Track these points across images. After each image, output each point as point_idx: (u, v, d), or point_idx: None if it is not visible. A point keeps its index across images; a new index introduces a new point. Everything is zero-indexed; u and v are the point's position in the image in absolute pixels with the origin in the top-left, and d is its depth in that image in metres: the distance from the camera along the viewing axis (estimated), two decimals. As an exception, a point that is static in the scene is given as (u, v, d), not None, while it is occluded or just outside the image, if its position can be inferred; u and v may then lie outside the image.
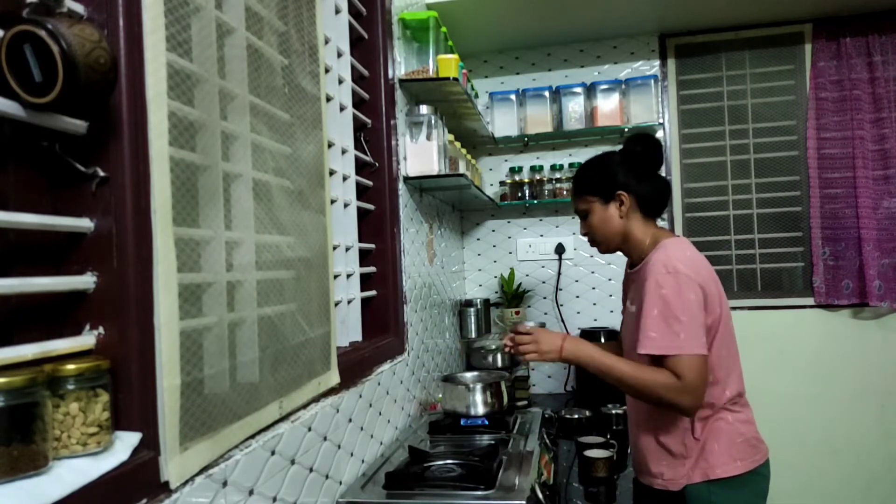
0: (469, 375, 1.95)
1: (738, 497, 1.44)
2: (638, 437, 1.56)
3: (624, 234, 1.56)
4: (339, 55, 1.54)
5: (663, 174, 1.63)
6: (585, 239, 1.65)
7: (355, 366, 1.42)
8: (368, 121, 1.73)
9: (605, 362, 1.43)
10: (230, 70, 0.93)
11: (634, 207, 1.55)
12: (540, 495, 1.28)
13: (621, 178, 1.55)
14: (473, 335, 2.63)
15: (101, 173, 0.71)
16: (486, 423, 1.71)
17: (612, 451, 1.64)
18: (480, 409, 1.73)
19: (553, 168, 2.82)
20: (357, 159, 1.64)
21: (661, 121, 2.77)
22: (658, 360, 1.38)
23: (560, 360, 1.48)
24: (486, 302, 2.69)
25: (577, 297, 2.90)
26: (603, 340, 2.63)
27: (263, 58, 1.04)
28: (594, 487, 1.55)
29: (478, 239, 3.01)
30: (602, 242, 1.60)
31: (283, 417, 1.05)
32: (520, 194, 2.83)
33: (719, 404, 1.45)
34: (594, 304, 2.88)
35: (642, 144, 1.57)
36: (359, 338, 1.60)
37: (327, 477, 1.22)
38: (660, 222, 2.88)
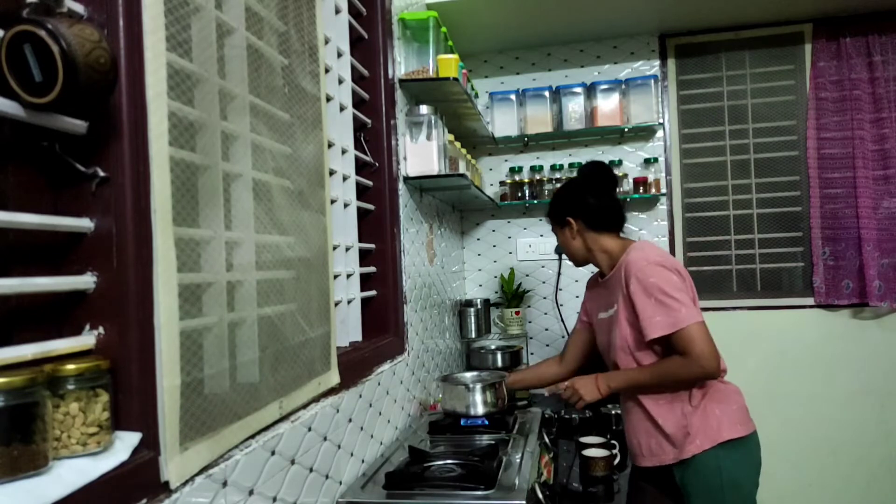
0: (469, 375, 1.95)
1: (742, 460, 1.54)
2: (634, 425, 1.66)
3: (586, 249, 1.75)
4: (339, 55, 1.54)
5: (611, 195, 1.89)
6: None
7: (355, 366, 1.42)
8: (368, 121, 1.73)
9: (630, 378, 1.60)
10: (230, 70, 0.93)
11: (584, 228, 1.73)
12: (540, 495, 1.28)
13: (569, 204, 1.75)
14: (473, 335, 2.63)
15: (101, 173, 0.71)
16: (486, 423, 1.71)
17: (612, 450, 1.64)
18: (480, 409, 1.73)
19: (553, 168, 2.82)
20: (357, 159, 1.64)
21: (661, 121, 2.77)
22: (666, 340, 1.51)
23: (602, 396, 1.64)
24: (486, 302, 2.69)
25: (577, 297, 2.89)
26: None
27: (263, 58, 1.04)
28: (593, 487, 1.56)
29: (478, 239, 3.01)
30: (571, 259, 1.83)
31: (283, 417, 1.05)
32: (520, 194, 2.83)
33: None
34: (594, 304, 2.87)
35: (589, 169, 1.79)
36: (359, 338, 1.60)
37: (327, 477, 1.22)
38: (660, 222, 2.88)
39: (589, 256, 1.76)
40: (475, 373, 2.00)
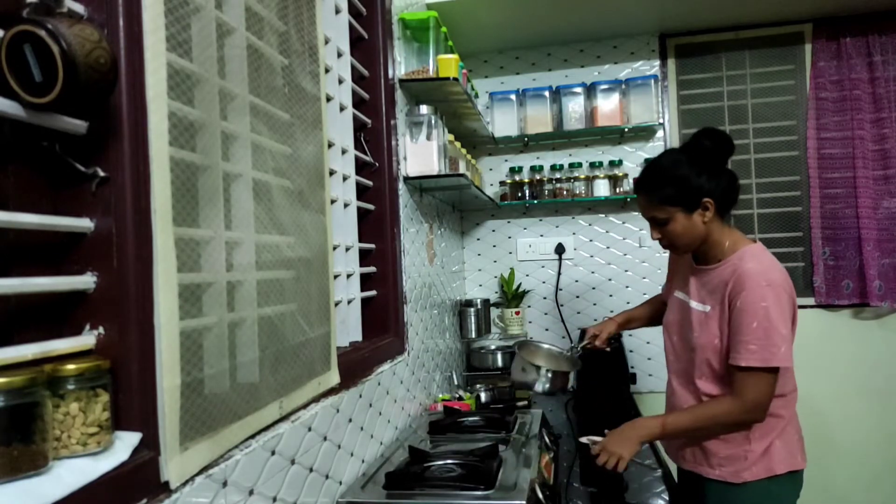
0: (545, 350, 1.95)
1: (791, 494, 1.49)
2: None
3: (701, 239, 1.52)
4: (339, 55, 1.54)
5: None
6: (657, 243, 1.61)
7: (355, 366, 1.42)
8: (368, 121, 1.73)
9: (670, 426, 1.47)
10: (230, 70, 0.93)
11: (714, 212, 1.50)
12: (540, 495, 1.28)
13: (704, 183, 1.47)
14: (473, 335, 2.63)
15: (101, 173, 0.71)
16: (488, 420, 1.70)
17: None
18: (540, 388, 1.74)
19: (553, 168, 2.82)
20: (357, 159, 1.64)
21: (661, 121, 2.77)
22: (738, 369, 1.40)
23: (640, 447, 1.49)
24: (486, 302, 2.69)
25: (577, 297, 2.90)
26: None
27: (263, 58, 1.04)
28: (602, 485, 1.55)
29: (478, 239, 3.01)
30: (681, 248, 1.56)
31: (283, 417, 1.05)
32: (520, 194, 2.83)
33: (792, 407, 1.51)
34: (594, 304, 2.88)
35: (711, 139, 1.50)
36: (359, 338, 1.60)
37: (327, 477, 1.22)
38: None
39: (697, 246, 1.54)
40: (553, 351, 1.97)
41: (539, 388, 1.75)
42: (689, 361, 1.57)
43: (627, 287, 2.84)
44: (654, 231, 1.57)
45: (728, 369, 1.44)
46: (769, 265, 1.44)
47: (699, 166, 1.48)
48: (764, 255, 1.48)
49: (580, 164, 2.84)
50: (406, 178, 1.93)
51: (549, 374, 1.74)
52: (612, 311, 2.85)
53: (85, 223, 0.71)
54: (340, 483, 1.29)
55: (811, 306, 2.73)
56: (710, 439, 1.50)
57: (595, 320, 2.86)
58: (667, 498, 1.55)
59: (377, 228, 1.76)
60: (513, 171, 2.90)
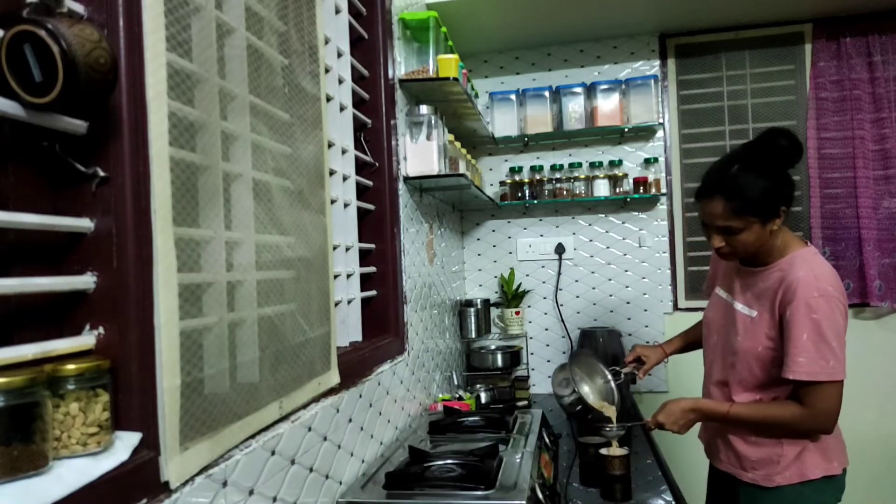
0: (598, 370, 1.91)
1: (828, 496, 1.47)
2: (727, 430, 1.57)
3: (762, 245, 1.47)
4: (339, 55, 1.54)
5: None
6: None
7: (355, 366, 1.42)
8: (368, 121, 1.73)
9: (733, 417, 1.47)
10: (230, 70, 0.93)
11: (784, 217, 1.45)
12: (540, 495, 1.28)
13: (780, 190, 1.41)
14: (473, 335, 2.63)
15: (101, 173, 0.71)
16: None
17: (627, 448, 1.62)
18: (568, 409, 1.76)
19: (553, 168, 2.82)
20: (357, 159, 1.64)
21: (661, 121, 2.77)
22: (795, 381, 1.39)
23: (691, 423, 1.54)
24: (486, 302, 2.69)
25: (577, 297, 2.89)
26: (602, 341, 2.63)
27: (263, 58, 1.04)
28: (610, 485, 1.55)
29: (478, 239, 3.01)
30: (742, 255, 1.51)
31: (283, 417, 1.05)
32: (520, 194, 2.83)
33: None
34: (594, 304, 2.87)
35: (787, 139, 1.42)
36: (359, 338, 1.60)
37: (327, 477, 1.22)
38: (660, 222, 2.86)
39: (754, 251, 1.48)
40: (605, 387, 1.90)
41: (567, 408, 1.75)
42: (728, 363, 1.55)
43: (627, 287, 2.84)
44: (718, 239, 1.48)
45: (782, 380, 1.42)
46: (820, 272, 1.40)
47: (774, 171, 1.42)
48: (815, 259, 1.44)
49: (580, 164, 2.84)
50: (406, 178, 1.93)
51: (580, 407, 1.72)
52: (611, 311, 2.85)
53: (85, 223, 0.71)
54: (340, 483, 1.29)
55: (811, 306, 2.73)
56: (742, 439, 1.51)
57: (595, 320, 2.87)
58: (668, 498, 1.55)
59: (377, 228, 1.76)
60: (513, 171, 2.90)
